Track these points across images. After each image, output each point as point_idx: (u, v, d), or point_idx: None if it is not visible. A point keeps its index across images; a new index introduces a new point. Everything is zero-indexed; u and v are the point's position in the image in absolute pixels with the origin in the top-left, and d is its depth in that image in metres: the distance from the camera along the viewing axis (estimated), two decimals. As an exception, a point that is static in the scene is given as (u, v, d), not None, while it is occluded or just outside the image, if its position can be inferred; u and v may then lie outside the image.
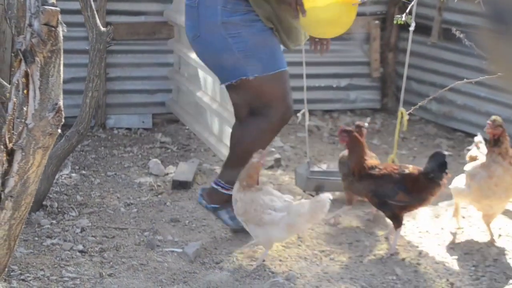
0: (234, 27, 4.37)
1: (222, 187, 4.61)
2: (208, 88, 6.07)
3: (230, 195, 4.38)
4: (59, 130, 3.06)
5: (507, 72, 1.05)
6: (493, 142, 4.44)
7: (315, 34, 4.45)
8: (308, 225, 4.24)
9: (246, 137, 4.51)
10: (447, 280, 4.08)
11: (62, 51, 2.97)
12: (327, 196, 4.06)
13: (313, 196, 5.10)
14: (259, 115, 4.48)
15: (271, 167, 5.83)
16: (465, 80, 4.20)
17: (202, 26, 4.42)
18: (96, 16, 4.81)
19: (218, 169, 5.66)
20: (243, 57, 4.39)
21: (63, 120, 3.03)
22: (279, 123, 4.50)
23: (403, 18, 3.88)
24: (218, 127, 5.91)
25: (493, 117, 4.49)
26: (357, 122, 5.08)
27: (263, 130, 4.48)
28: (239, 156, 4.47)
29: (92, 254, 4.29)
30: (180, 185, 5.31)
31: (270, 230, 4.14)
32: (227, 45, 4.37)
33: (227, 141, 5.71)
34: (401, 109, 5.22)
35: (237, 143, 4.56)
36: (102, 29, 4.82)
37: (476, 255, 4.37)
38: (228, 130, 5.65)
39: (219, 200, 4.62)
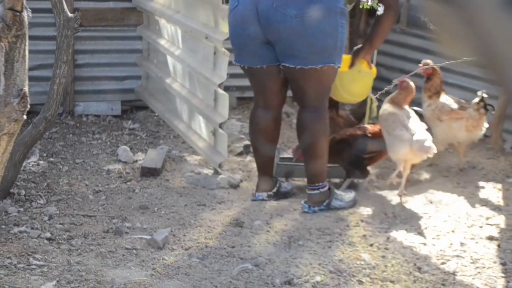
0: (343, 17, 4.60)
1: (320, 188, 4.82)
2: (177, 74, 6.05)
3: (329, 188, 4.83)
4: (25, 116, 3.03)
5: (454, 45, 1.06)
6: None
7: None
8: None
9: (321, 132, 4.76)
10: (415, 264, 4.11)
11: (27, 36, 2.94)
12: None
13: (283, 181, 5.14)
14: (317, 106, 4.74)
15: (240, 154, 5.82)
16: (429, 65, 4.26)
17: (320, 6, 4.51)
18: (64, 1, 4.77)
19: (187, 156, 5.66)
20: (339, 46, 4.63)
21: (28, 106, 3.00)
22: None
23: (369, 3, 3.92)
24: (188, 114, 5.90)
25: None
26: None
27: (327, 119, 4.80)
28: (320, 152, 4.77)
29: (60, 241, 4.27)
30: (149, 172, 5.30)
31: (397, 145, 4.91)
32: (336, 32, 4.57)
33: (197, 128, 5.70)
34: (370, 95, 5.27)
35: (315, 142, 4.76)
36: (70, 15, 4.78)
37: (443, 239, 4.41)
38: (197, 117, 5.65)
39: (325, 197, 4.83)
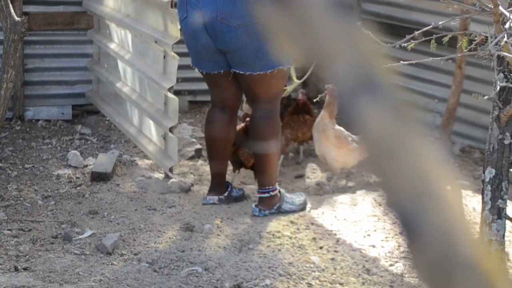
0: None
1: (271, 191, 4.83)
2: (128, 79, 6.02)
3: (279, 191, 4.84)
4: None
5: (287, 46, 1.10)
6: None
7: None
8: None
9: (272, 134, 4.78)
10: (364, 266, 4.14)
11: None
12: None
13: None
14: (268, 109, 4.78)
15: (191, 158, 5.81)
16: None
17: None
18: (10, 5, 4.72)
19: (138, 160, 5.63)
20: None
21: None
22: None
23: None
24: (138, 118, 5.87)
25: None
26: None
27: (278, 122, 4.86)
28: (270, 155, 4.79)
29: (8, 247, 4.22)
30: (99, 177, 5.26)
31: (352, 156, 5.12)
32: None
33: (147, 132, 5.68)
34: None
35: (265, 144, 4.77)
36: (17, 19, 4.73)
37: (391, 241, 4.45)
38: (147, 121, 5.63)
39: (275, 200, 4.83)
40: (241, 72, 4.69)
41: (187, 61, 5.20)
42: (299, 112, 5.76)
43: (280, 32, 1.08)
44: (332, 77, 1.03)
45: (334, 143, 5.14)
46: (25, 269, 3.97)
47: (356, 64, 1.02)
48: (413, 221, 1.04)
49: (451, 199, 1.07)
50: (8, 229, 4.45)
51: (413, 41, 3.29)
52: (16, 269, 3.95)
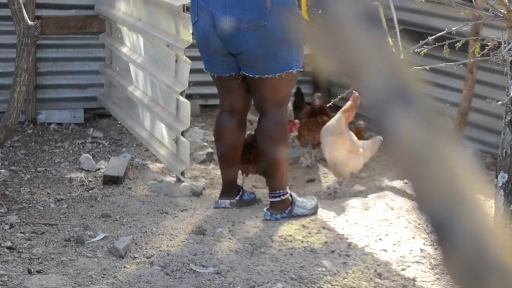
0: (298, 19, 4.58)
1: (281, 195, 4.83)
2: (140, 82, 6.04)
3: (290, 195, 4.84)
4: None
5: (325, 58, 1.12)
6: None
7: None
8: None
9: (280, 139, 4.79)
10: (375, 270, 4.14)
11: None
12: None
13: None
14: (275, 113, 4.79)
15: (203, 162, 5.83)
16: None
17: (273, 14, 4.51)
18: (23, 9, 4.75)
19: (150, 164, 5.65)
20: (295, 51, 4.62)
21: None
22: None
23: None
24: (150, 121, 5.89)
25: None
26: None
27: (286, 126, 4.88)
28: (280, 159, 4.79)
29: (21, 250, 4.24)
30: (111, 180, 5.28)
31: (360, 161, 5.24)
32: (290, 38, 4.57)
33: (159, 136, 5.70)
34: None
35: (274, 149, 4.77)
36: (30, 23, 4.76)
37: (403, 246, 4.45)
38: (159, 125, 5.65)
39: (287, 204, 4.84)
40: (250, 75, 4.71)
41: (199, 65, 5.22)
42: (317, 114, 5.76)
43: (313, 44, 1.11)
44: (364, 88, 1.05)
45: (349, 147, 5.16)
46: (38, 272, 3.99)
47: (387, 74, 1.03)
48: (445, 225, 1.07)
49: (481, 203, 1.10)
50: (21, 232, 4.47)
51: (426, 47, 3.30)
52: (29, 272, 3.97)
